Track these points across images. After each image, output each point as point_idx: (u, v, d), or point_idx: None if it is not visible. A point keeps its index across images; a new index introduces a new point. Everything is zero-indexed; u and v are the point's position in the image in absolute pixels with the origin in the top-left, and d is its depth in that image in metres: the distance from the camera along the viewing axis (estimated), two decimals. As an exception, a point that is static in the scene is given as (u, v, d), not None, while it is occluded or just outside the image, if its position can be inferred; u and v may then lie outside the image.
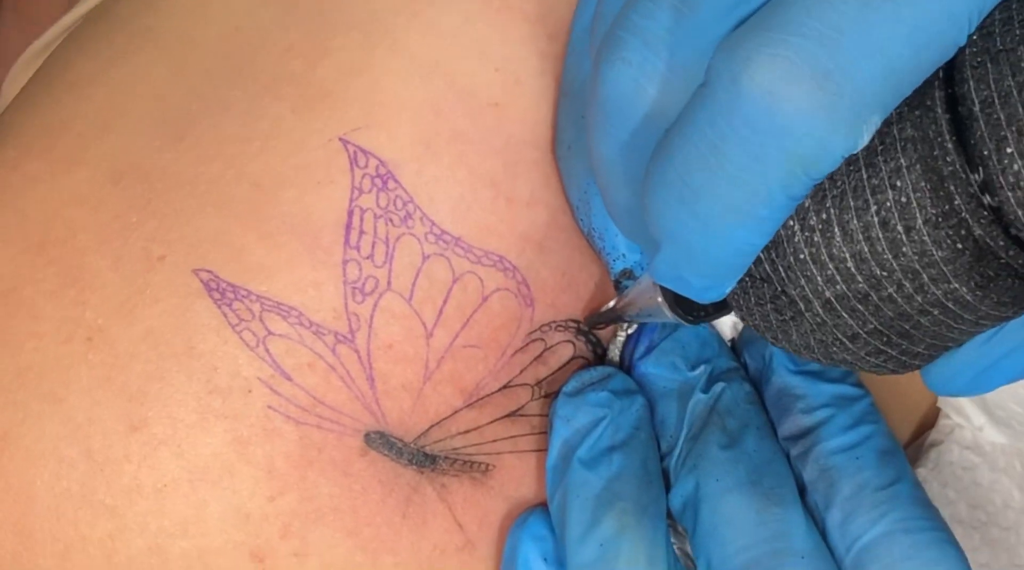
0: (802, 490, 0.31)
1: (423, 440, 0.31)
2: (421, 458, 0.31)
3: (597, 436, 0.31)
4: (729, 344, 0.35)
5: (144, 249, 0.30)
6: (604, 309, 0.32)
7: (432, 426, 0.31)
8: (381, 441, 0.30)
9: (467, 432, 0.32)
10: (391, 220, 0.31)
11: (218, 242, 0.30)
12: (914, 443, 0.36)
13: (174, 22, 0.33)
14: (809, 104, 0.21)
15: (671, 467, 0.32)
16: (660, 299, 0.29)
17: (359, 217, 0.31)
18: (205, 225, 0.30)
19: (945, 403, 0.34)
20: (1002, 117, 0.22)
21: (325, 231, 0.30)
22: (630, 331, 0.34)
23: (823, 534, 0.30)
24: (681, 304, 0.29)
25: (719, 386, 0.32)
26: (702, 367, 0.33)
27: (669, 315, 0.29)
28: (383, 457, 0.30)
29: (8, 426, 0.29)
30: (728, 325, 0.35)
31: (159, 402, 0.29)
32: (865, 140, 0.22)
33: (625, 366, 0.34)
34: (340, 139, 0.31)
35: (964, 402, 0.33)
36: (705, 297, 0.26)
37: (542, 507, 0.32)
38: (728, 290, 0.26)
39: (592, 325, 0.33)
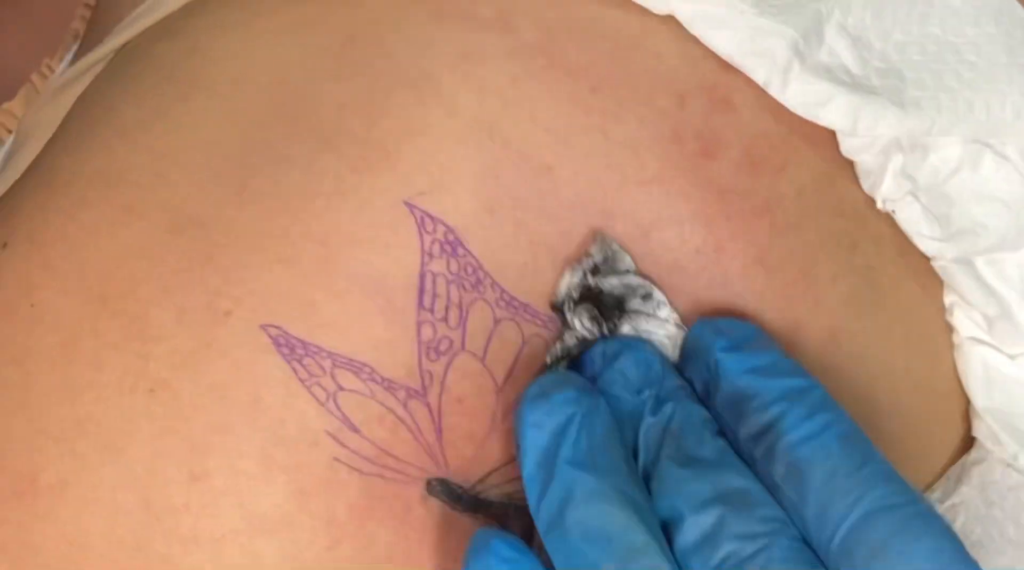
0: (773, 491, 0.30)
1: (480, 486, 0.31)
2: (476, 503, 0.31)
3: (575, 435, 0.30)
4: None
5: (209, 303, 0.29)
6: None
7: (490, 472, 0.31)
8: (442, 488, 0.31)
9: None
10: (463, 285, 0.31)
11: (287, 299, 0.29)
12: (959, 461, 0.37)
13: (222, 70, 0.31)
14: None
15: None
16: None
17: (431, 281, 0.30)
18: (272, 281, 0.29)
19: (979, 431, 0.36)
20: None
21: (397, 292, 0.30)
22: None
23: (804, 530, 0.30)
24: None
25: (668, 406, 0.32)
26: (647, 392, 0.32)
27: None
28: (440, 503, 0.31)
29: (65, 475, 0.28)
30: (668, 346, 0.34)
31: (222, 453, 0.29)
32: None
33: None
34: (406, 203, 0.30)
35: (997, 430, 0.35)
36: None
37: (495, 531, 0.30)
38: None
39: None
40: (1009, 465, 0.35)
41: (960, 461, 0.37)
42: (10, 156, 0.35)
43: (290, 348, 0.29)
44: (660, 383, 0.32)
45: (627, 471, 0.30)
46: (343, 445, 0.29)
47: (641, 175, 0.32)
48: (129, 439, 0.28)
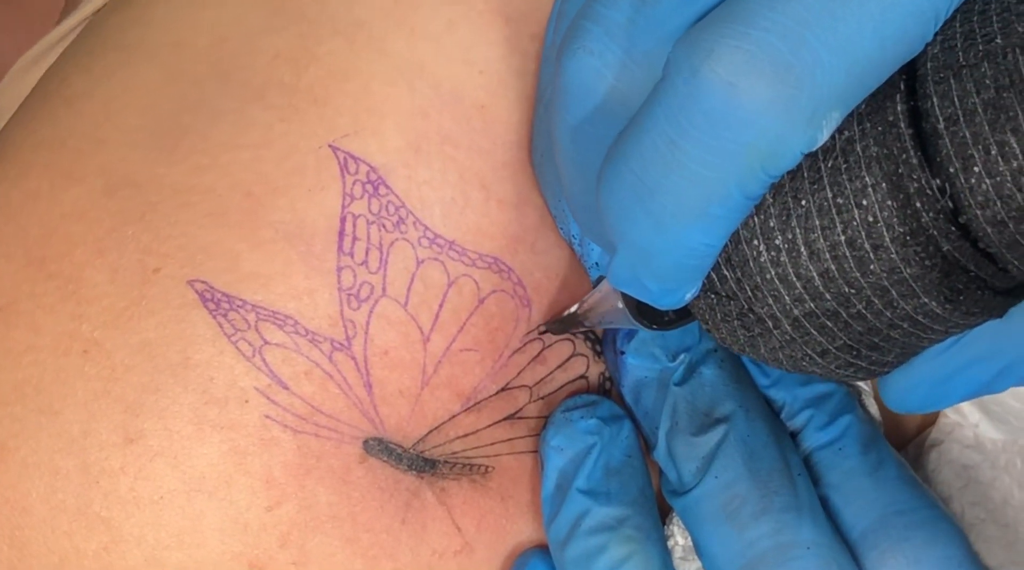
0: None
1: (421, 445, 0.31)
2: (420, 463, 0.31)
3: (592, 465, 0.31)
4: None
5: (140, 261, 0.30)
6: (565, 314, 0.32)
7: (430, 431, 0.31)
8: (380, 447, 0.30)
9: (465, 436, 0.32)
10: (384, 225, 0.31)
11: (212, 252, 0.30)
12: (915, 440, 0.36)
13: (164, 34, 0.33)
14: (768, 97, 0.21)
15: (660, 460, 0.32)
16: (620, 304, 0.29)
17: (352, 223, 0.30)
18: (200, 236, 0.30)
19: None
20: (968, 136, 0.21)
21: (318, 238, 0.30)
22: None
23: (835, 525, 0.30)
24: (643, 311, 0.29)
25: (699, 374, 0.32)
26: (682, 356, 0.32)
27: (631, 322, 0.29)
28: (382, 463, 0.30)
29: (4, 438, 0.29)
30: None
31: (155, 414, 0.29)
32: (824, 136, 0.22)
33: (614, 351, 0.33)
34: (330, 146, 0.31)
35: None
36: (663, 303, 0.26)
37: (537, 549, 0.32)
38: (688, 297, 0.26)
39: (553, 331, 0.33)
40: (969, 447, 0.34)
41: (917, 439, 0.35)
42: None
43: (216, 303, 0.30)
44: (695, 348, 0.32)
45: (640, 499, 0.31)
46: (273, 402, 0.29)
47: None
48: (64, 402, 0.29)
